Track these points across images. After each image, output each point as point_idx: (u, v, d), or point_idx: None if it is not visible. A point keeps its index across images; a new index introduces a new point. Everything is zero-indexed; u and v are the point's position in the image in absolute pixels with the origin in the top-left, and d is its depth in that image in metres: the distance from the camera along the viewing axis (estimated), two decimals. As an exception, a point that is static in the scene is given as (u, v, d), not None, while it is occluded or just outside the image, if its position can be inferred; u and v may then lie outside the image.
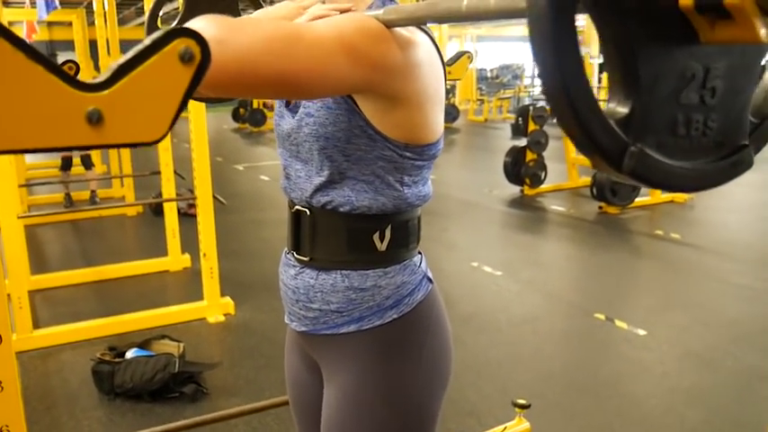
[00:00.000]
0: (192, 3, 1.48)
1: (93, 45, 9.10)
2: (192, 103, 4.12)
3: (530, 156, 7.53)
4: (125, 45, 6.93)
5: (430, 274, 1.21)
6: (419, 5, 0.81)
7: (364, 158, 1.07)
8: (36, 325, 4.01)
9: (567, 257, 5.65)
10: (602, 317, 4.06)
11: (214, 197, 4.16)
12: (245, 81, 0.81)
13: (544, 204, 7.33)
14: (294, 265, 1.19)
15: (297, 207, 1.17)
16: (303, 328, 1.19)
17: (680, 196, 7.06)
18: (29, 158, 9.15)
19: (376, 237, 1.11)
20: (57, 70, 0.46)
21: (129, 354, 3.46)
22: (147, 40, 0.50)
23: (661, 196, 7.00)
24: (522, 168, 7.58)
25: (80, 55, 9.32)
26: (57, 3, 6.30)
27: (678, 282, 4.82)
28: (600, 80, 14.67)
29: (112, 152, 8.05)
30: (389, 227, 1.12)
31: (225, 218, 6.48)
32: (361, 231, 1.11)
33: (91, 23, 9.29)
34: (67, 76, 0.47)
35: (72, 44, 9.83)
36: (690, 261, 5.31)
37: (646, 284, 4.90)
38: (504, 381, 3.32)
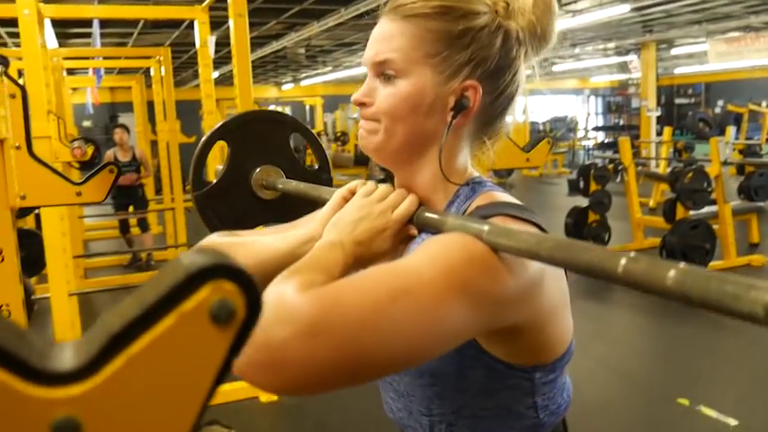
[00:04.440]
0: (238, 154, 1.31)
1: (151, 106, 9.28)
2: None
3: (592, 217, 7.21)
4: (181, 105, 6.96)
5: None
6: (547, 239, 0.63)
7: (484, 391, 0.82)
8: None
9: (640, 331, 5.28)
10: (686, 402, 3.69)
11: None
12: (341, 375, 0.61)
13: (609, 268, 6.96)
14: None
15: None
16: None
17: (758, 259, 6.61)
18: (87, 220, 9.25)
19: None
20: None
21: (177, 441, 3.27)
22: (159, 284, 0.30)
23: (737, 259, 6.56)
24: (584, 230, 7.25)
25: (138, 116, 9.49)
26: (102, 73, 6.60)
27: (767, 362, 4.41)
28: (659, 133, 14.26)
29: (168, 214, 8.06)
30: None
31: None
32: None
33: (149, 86, 9.47)
34: (16, 360, 0.27)
35: (132, 106, 10.05)
36: (777, 335, 4.88)
37: (732, 364, 4.49)
38: (582, 481, 2.99)
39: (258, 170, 1.32)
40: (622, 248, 7.45)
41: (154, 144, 9.96)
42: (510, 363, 0.81)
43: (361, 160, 17.13)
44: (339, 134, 16.24)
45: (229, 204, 1.35)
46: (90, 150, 4.27)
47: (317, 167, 1.35)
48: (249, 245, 0.89)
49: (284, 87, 20.21)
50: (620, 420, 3.59)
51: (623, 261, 0.55)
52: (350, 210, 0.82)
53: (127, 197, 7.45)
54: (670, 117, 20.34)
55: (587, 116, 23.43)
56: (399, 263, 0.71)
